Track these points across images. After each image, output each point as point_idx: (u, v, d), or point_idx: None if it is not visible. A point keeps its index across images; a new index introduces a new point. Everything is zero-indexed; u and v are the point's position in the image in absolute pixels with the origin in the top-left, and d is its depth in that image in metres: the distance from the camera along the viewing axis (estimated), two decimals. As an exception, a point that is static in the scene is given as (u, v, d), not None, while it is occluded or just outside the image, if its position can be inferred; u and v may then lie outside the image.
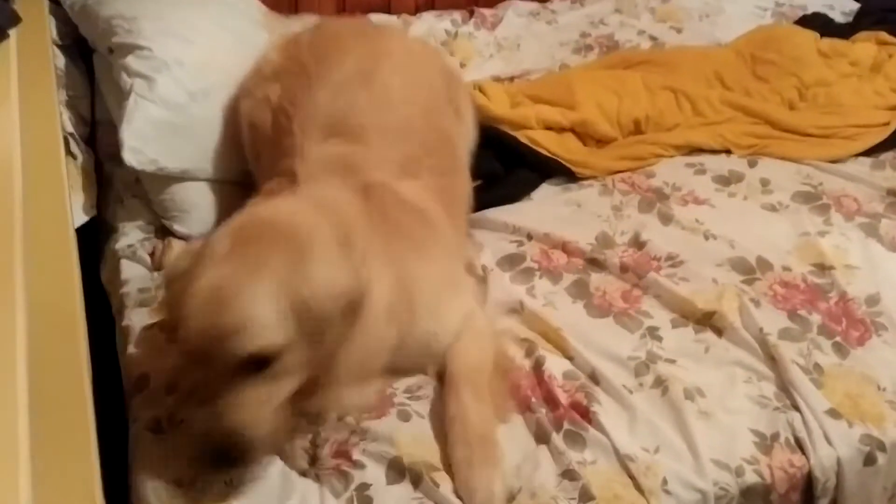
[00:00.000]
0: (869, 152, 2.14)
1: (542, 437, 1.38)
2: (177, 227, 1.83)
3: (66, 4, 2.04)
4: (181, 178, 1.82)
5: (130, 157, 1.75)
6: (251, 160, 1.82)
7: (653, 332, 1.58)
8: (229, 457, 1.21)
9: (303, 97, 1.67)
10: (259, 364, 1.20)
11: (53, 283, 1.21)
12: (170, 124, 1.78)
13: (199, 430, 1.22)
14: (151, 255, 1.80)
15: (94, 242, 1.88)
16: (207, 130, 1.85)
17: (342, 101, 1.64)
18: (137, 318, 1.61)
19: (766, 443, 1.39)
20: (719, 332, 1.57)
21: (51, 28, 2.07)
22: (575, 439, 1.37)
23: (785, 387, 1.47)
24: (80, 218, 1.80)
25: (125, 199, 1.88)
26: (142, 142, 1.76)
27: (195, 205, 1.84)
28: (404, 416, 1.39)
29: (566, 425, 1.38)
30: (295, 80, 1.72)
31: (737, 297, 1.63)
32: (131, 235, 1.82)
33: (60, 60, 2.00)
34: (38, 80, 1.66)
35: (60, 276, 1.24)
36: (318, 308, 1.21)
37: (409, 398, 1.43)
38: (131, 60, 1.83)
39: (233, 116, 1.86)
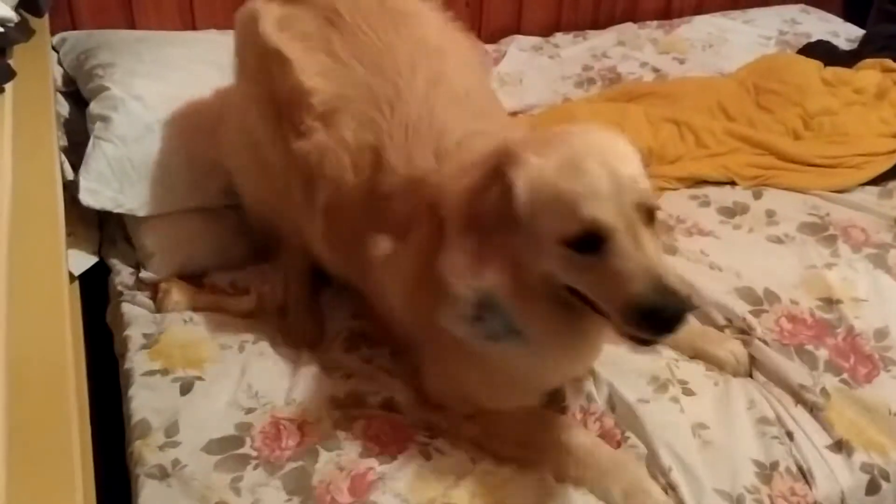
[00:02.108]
0: (876, 181, 2.12)
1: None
2: (143, 273, 1.81)
3: (61, 56, 2.09)
4: (147, 217, 1.82)
5: (87, 198, 1.76)
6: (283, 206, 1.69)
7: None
8: (676, 302, 1.15)
9: (394, 127, 1.48)
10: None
11: (41, 336, 1.20)
12: (128, 160, 1.80)
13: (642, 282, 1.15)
14: (153, 296, 1.80)
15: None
16: (167, 159, 1.84)
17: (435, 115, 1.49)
18: (139, 362, 1.60)
19: (766, 472, 1.38)
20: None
21: (56, 76, 2.10)
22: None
23: (788, 414, 1.47)
24: (84, 262, 1.81)
25: (117, 241, 1.89)
26: (99, 182, 1.77)
27: (159, 247, 1.82)
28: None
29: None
30: (370, 109, 1.50)
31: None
32: (127, 277, 1.82)
33: (64, 108, 2.03)
34: (36, 127, 1.66)
35: (50, 328, 1.22)
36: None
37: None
38: (94, 105, 1.87)
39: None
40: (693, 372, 1.56)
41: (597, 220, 1.15)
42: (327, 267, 1.71)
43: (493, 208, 1.23)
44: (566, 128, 1.34)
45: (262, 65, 1.62)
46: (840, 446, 1.42)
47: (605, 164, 1.18)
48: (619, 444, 1.42)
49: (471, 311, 1.29)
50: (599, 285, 1.19)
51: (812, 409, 1.48)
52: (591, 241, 1.16)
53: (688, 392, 1.51)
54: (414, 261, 1.38)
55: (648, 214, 1.19)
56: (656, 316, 1.14)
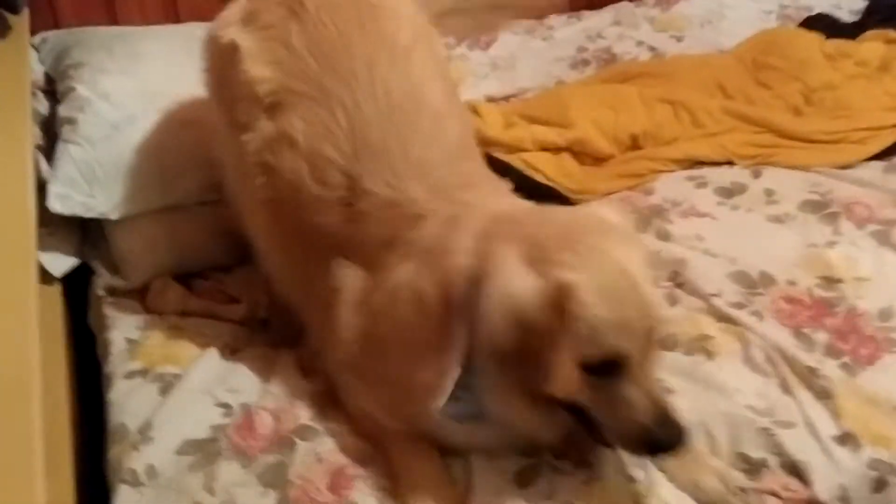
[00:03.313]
0: (881, 155, 2.03)
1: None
2: (114, 279, 1.78)
3: (41, 56, 2.06)
4: (120, 220, 1.78)
5: (56, 204, 1.72)
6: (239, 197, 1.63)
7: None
8: (676, 435, 1.18)
9: (341, 129, 1.40)
10: None
11: (3, 341, 1.17)
12: (96, 162, 1.75)
13: (638, 412, 1.18)
14: (143, 295, 1.77)
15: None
16: (137, 157, 1.79)
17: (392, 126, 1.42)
18: (119, 365, 1.58)
19: (754, 466, 1.31)
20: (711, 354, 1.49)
21: (38, 75, 2.07)
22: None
23: (787, 406, 1.39)
24: (65, 264, 1.78)
25: (98, 243, 1.85)
26: (68, 187, 1.73)
27: (135, 249, 1.79)
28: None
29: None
30: (321, 110, 1.42)
31: (736, 337, 1.53)
32: (109, 279, 1.79)
33: (44, 107, 2.00)
34: (10, 127, 1.63)
35: (14, 332, 1.19)
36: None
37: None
38: (61, 108, 1.85)
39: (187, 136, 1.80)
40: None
41: (622, 350, 1.16)
42: (268, 269, 1.63)
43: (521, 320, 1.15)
44: (578, 220, 1.30)
45: (219, 63, 1.57)
46: (846, 438, 1.34)
47: (635, 289, 1.17)
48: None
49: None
50: (604, 407, 1.19)
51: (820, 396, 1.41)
52: (609, 366, 1.16)
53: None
54: (383, 301, 1.31)
55: (655, 339, 1.21)
56: (656, 446, 1.18)
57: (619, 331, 1.14)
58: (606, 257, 1.18)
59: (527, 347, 1.15)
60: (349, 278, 1.36)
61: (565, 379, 1.16)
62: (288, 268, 1.55)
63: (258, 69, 1.46)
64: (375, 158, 1.38)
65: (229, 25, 1.54)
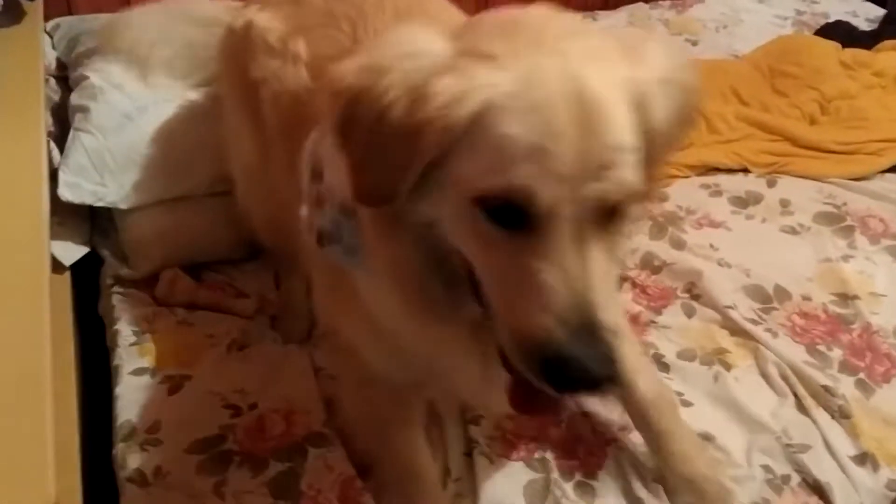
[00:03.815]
0: (896, 168, 2.04)
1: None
2: (123, 270, 1.76)
3: (55, 41, 2.04)
4: (130, 210, 1.76)
5: (66, 192, 1.70)
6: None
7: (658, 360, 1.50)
8: (594, 358, 0.82)
9: (345, 34, 1.31)
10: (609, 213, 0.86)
11: (17, 330, 1.15)
12: (108, 151, 1.74)
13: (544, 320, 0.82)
14: (152, 286, 1.76)
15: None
16: (148, 147, 1.78)
17: None
18: (127, 359, 1.56)
19: (777, 482, 1.30)
20: (728, 367, 1.48)
21: (50, 61, 2.06)
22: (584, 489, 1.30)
23: (804, 426, 1.38)
24: (75, 252, 1.76)
25: (108, 232, 1.83)
26: (79, 176, 1.71)
27: (144, 239, 1.77)
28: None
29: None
30: (329, 28, 1.33)
31: (751, 352, 1.53)
32: (118, 268, 1.76)
33: (57, 94, 1.98)
34: (23, 114, 1.62)
35: (27, 322, 1.18)
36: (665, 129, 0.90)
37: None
38: (74, 95, 1.82)
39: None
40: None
41: (532, 192, 0.82)
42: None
43: (393, 118, 0.86)
44: (534, 15, 0.93)
45: (233, 43, 1.53)
46: (864, 458, 1.33)
47: (582, 121, 0.82)
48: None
49: (329, 220, 1.06)
50: (501, 280, 0.87)
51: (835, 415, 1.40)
52: (513, 214, 0.84)
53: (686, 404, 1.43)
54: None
55: (610, 216, 0.86)
56: (559, 367, 0.82)
57: (535, 160, 0.81)
58: (558, 62, 0.84)
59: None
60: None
61: (453, 212, 0.88)
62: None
63: (269, 24, 1.42)
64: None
65: (246, 15, 1.52)
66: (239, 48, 1.49)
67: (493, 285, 0.88)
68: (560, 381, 0.83)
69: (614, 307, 0.87)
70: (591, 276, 0.83)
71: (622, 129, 0.85)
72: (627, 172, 0.85)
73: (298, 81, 1.32)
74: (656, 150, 0.90)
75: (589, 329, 0.82)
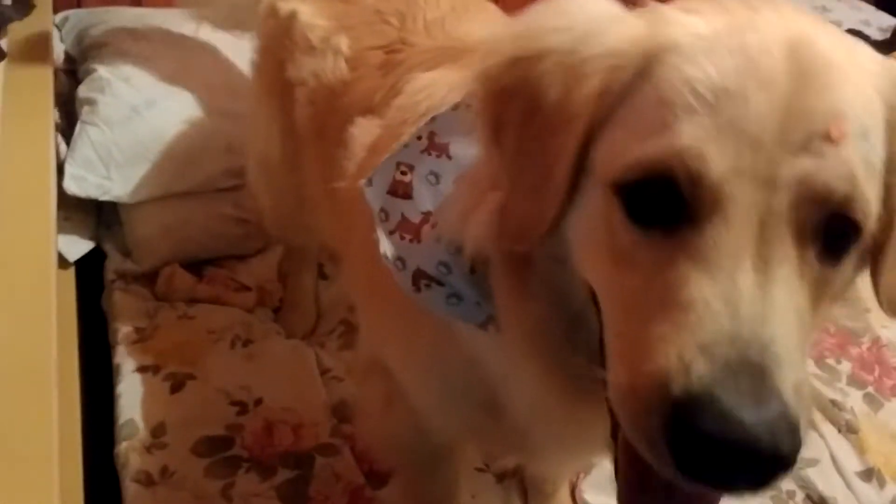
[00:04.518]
0: (907, 180, 2.02)
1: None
2: (128, 264, 1.75)
3: (63, 34, 2.03)
4: (135, 204, 1.75)
5: (72, 185, 1.69)
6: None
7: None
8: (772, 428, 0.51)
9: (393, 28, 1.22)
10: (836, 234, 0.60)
11: (24, 327, 1.15)
12: (114, 144, 1.73)
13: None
14: (153, 281, 1.75)
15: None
16: (155, 142, 1.76)
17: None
18: (129, 356, 1.55)
19: (782, 498, 1.29)
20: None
21: (58, 54, 2.05)
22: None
23: (811, 440, 1.36)
24: (80, 248, 1.76)
25: (113, 226, 1.82)
26: (85, 168, 1.70)
27: (149, 234, 1.76)
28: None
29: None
30: (376, 23, 1.25)
31: None
32: (121, 264, 1.75)
33: (64, 87, 1.97)
34: (31, 108, 1.61)
35: (34, 319, 1.17)
36: None
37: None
38: (81, 88, 1.81)
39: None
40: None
41: (700, 156, 0.57)
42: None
43: (552, 94, 0.65)
44: None
45: (275, 32, 1.44)
46: (870, 474, 1.33)
47: (802, 73, 0.59)
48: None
49: (434, 259, 0.84)
50: (627, 309, 0.61)
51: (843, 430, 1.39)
52: (666, 206, 0.59)
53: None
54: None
55: (821, 233, 0.59)
56: (698, 420, 0.51)
57: (716, 112, 0.57)
58: (777, 18, 0.63)
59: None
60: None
61: (585, 219, 0.65)
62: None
63: (314, 20, 1.33)
64: (426, 31, 1.18)
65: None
66: (279, 41, 1.42)
67: (616, 316, 0.62)
68: (693, 450, 0.51)
69: (802, 364, 0.56)
70: (771, 304, 0.54)
71: (856, 102, 0.60)
72: (856, 158, 0.58)
73: (336, 74, 1.24)
74: None
75: (751, 370, 0.51)
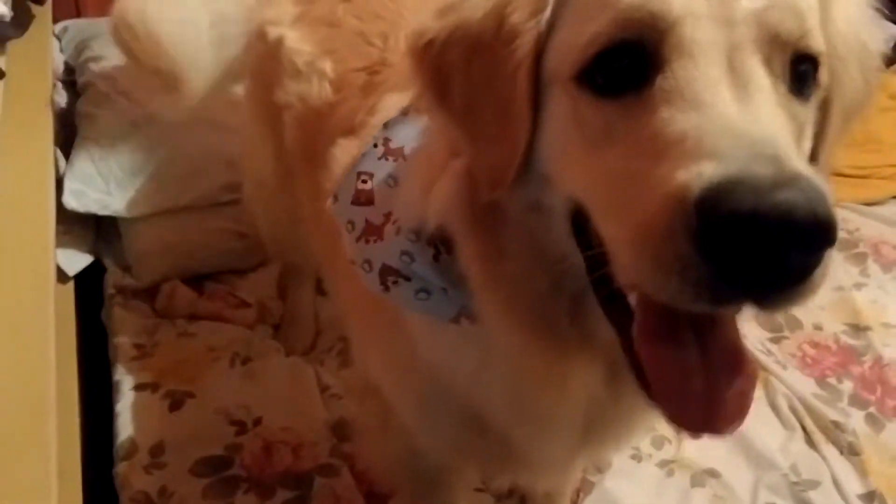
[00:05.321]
0: (909, 193, 2.01)
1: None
2: (127, 279, 1.74)
3: (62, 45, 2.03)
4: (135, 219, 1.75)
5: (71, 200, 1.69)
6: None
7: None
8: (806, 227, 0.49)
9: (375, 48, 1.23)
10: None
11: (22, 343, 1.14)
12: (113, 159, 1.72)
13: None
14: (153, 296, 1.74)
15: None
16: (155, 156, 1.76)
17: None
18: (128, 374, 1.54)
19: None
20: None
21: (58, 65, 2.04)
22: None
23: (813, 462, 1.35)
24: (79, 262, 1.75)
25: (112, 240, 1.81)
26: (84, 184, 1.70)
27: (149, 249, 1.75)
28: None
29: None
30: (360, 45, 1.26)
31: (761, 382, 1.50)
32: (120, 278, 1.75)
33: (63, 98, 1.97)
34: (31, 122, 1.60)
35: (32, 334, 1.16)
36: None
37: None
38: (80, 102, 1.81)
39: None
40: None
41: (652, 6, 0.60)
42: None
43: (487, 34, 0.68)
44: None
45: (262, 57, 1.46)
46: (872, 497, 1.32)
47: None
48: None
49: (395, 253, 0.84)
50: (614, 188, 0.60)
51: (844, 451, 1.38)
52: (628, 70, 0.61)
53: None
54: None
55: (785, 65, 0.62)
56: (738, 209, 0.49)
57: None
58: None
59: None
60: None
61: (552, 129, 0.67)
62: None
63: (300, 46, 1.35)
64: None
65: (280, 24, 1.48)
66: (268, 65, 1.43)
67: (609, 201, 0.60)
68: (730, 242, 0.49)
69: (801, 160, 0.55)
70: (760, 119, 0.56)
71: None
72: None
73: (322, 97, 1.26)
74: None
75: (765, 158, 0.51)
